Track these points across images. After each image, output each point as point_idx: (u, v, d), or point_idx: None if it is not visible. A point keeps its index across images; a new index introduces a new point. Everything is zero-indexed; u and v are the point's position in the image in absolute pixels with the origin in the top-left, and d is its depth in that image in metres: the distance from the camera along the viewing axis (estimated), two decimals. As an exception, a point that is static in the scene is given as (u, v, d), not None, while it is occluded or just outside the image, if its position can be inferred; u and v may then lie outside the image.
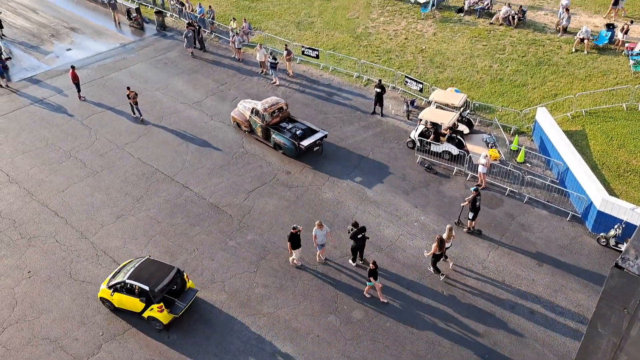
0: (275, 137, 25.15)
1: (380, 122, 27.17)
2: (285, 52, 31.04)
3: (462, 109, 25.42)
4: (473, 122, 26.05)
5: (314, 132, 25.11)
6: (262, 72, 31.91)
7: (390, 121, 27.24)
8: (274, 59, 30.34)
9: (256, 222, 21.73)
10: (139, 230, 21.61)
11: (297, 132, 24.92)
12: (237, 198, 22.94)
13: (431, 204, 22.15)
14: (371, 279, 17.98)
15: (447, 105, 25.29)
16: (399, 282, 19.02)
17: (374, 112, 27.76)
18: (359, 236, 18.90)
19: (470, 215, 20.37)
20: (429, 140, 24.07)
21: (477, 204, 20.09)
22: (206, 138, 26.65)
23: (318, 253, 19.71)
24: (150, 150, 26.04)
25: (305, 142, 24.44)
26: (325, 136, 25.15)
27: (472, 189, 20.22)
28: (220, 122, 27.71)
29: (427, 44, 32.85)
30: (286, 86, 30.49)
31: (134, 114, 28.36)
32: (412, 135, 24.99)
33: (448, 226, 18.93)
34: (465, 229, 20.86)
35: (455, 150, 23.74)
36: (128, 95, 27.98)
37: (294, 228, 18.93)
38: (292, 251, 19.36)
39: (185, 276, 18.39)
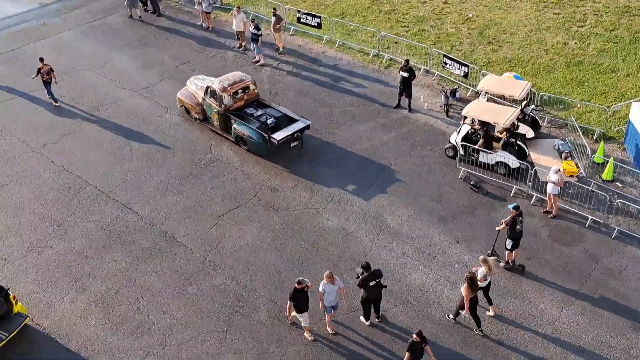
0: (238, 127, 25.08)
1: (407, 120, 27.07)
2: (273, 20, 30.99)
3: (524, 104, 25.29)
4: (540, 122, 25.96)
5: (292, 121, 25.16)
6: (241, 46, 31.84)
7: (422, 118, 27.14)
8: (257, 28, 30.26)
9: (228, 259, 21.50)
10: (59, 269, 21.35)
11: (268, 121, 24.92)
12: (201, 225, 22.74)
13: (479, 237, 21.92)
14: (407, 354, 16.84)
15: (502, 97, 25.19)
16: (434, 349, 18.62)
17: (398, 105, 27.71)
18: (372, 283, 18.54)
19: (509, 244, 20.25)
20: (476, 147, 23.93)
21: (518, 227, 19.94)
22: (159, 138, 26.54)
23: (327, 319, 19.05)
24: (79, 155, 25.89)
25: (279, 135, 24.40)
26: (308, 127, 25.23)
27: (510, 206, 20.14)
28: (180, 117, 27.60)
29: (475, 10, 32.82)
30: (274, 66, 30.40)
31: (56, 102, 28.22)
32: (452, 140, 24.90)
33: (481, 257, 18.74)
34: (502, 263, 20.74)
35: (514, 162, 23.58)
36: (39, 70, 27.79)
37: (298, 282, 18.05)
38: (298, 315, 18.73)
39: (11, 297, 18.80)
